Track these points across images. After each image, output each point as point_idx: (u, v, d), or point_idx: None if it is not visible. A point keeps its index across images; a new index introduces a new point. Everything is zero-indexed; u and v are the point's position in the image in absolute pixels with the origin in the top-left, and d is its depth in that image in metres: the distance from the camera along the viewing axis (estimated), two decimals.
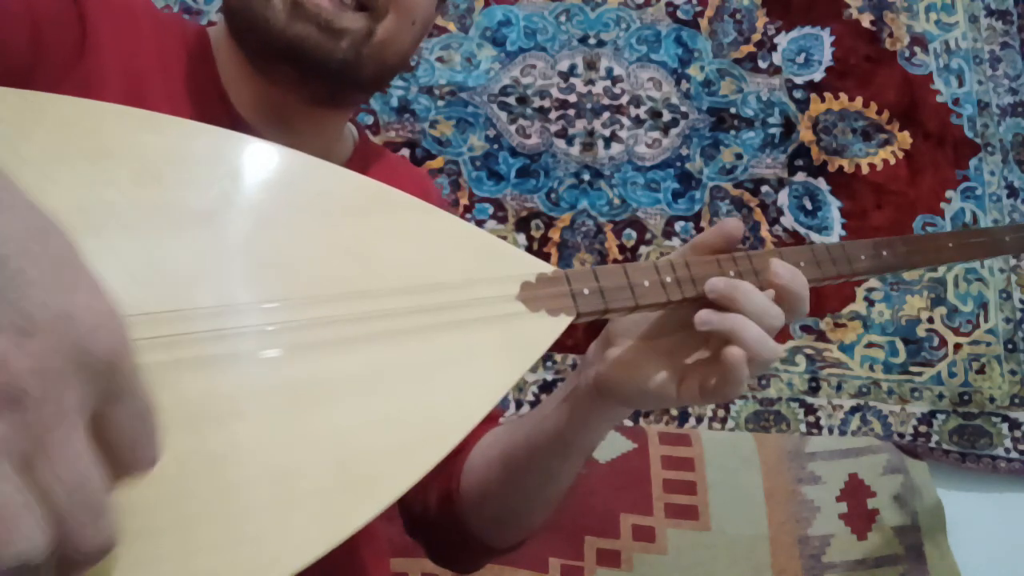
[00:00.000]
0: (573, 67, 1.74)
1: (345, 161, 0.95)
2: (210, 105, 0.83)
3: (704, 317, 0.67)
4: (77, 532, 0.35)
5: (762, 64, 1.79)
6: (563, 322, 0.63)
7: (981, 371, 1.67)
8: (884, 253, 0.80)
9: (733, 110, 1.76)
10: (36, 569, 0.34)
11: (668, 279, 0.68)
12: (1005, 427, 1.65)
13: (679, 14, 1.80)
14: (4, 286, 0.33)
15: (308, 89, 0.85)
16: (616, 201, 1.67)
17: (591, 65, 1.74)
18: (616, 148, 1.70)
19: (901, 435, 1.62)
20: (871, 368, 1.65)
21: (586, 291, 0.65)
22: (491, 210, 1.63)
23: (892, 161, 1.76)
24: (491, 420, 0.97)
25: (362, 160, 0.97)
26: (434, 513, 0.92)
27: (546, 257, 1.61)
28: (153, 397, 0.39)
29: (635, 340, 0.74)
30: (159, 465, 0.44)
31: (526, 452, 0.83)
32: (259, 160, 0.60)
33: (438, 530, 0.93)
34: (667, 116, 1.73)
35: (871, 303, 1.68)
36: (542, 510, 0.89)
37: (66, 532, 0.34)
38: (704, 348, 0.70)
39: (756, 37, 1.80)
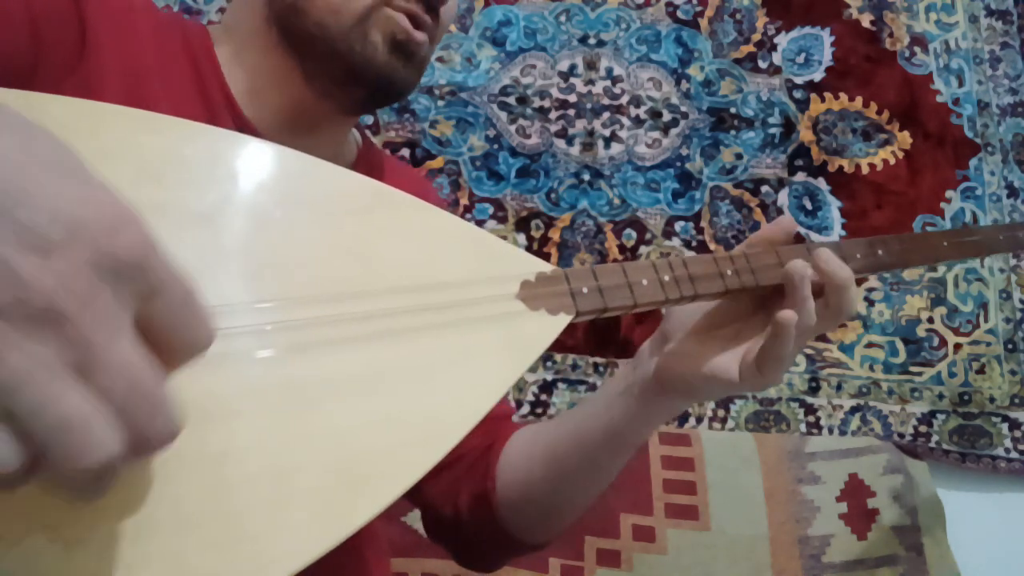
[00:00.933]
0: (573, 67, 1.74)
1: (350, 164, 0.95)
2: (214, 106, 0.83)
3: (827, 256, 0.72)
4: (144, 425, 0.35)
5: (762, 64, 1.79)
6: (562, 321, 0.63)
7: (981, 371, 1.67)
8: (879, 252, 0.80)
9: (733, 110, 1.76)
10: (115, 468, 0.35)
11: (666, 278, 0.69)
12: (1005, 427, 1.65)
13: (679, 14, 1.80)
14: (11, 207, 0.33)
15: (354, 103, 0.89)
16: (616, 201, 1.67)
17: (591, 65, 1.74)
18: (616, 148, 1.70)
19: (901, 435, 1.62)
20: (871, 368, 1.65)
21: (585, 290, 0.65)
22: (491, 210, 1.63)
23: (892, 161, 1.76)
24: (507, 418, 0.99)
25: (366, 163, 0.98)
26: (466, 514, 0.92)
27: (546, 257, 1.61)
28: (190, 281, 0.39)
29: (691, 334, 0.77)
30: (157, 464, 0.44)
31: (575, 449, 0.85)
32: (258, 160, 0.60)
33: (471, 531, 0.93)
34: (667, 116, 1.73)
35: (871, 303, 1.68)
36: (586, 504, 0.91)
37: (134, 427, 0.35)
38: (758, 337, 0.73)
39: (756, 37, 1.80)
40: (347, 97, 0.87)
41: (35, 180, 0.34)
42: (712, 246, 1.67)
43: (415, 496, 0.97)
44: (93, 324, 0.34)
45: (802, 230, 1.70)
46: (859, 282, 1.68)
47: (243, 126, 0.83)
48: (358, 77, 0.84)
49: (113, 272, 0.35)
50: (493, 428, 0.94)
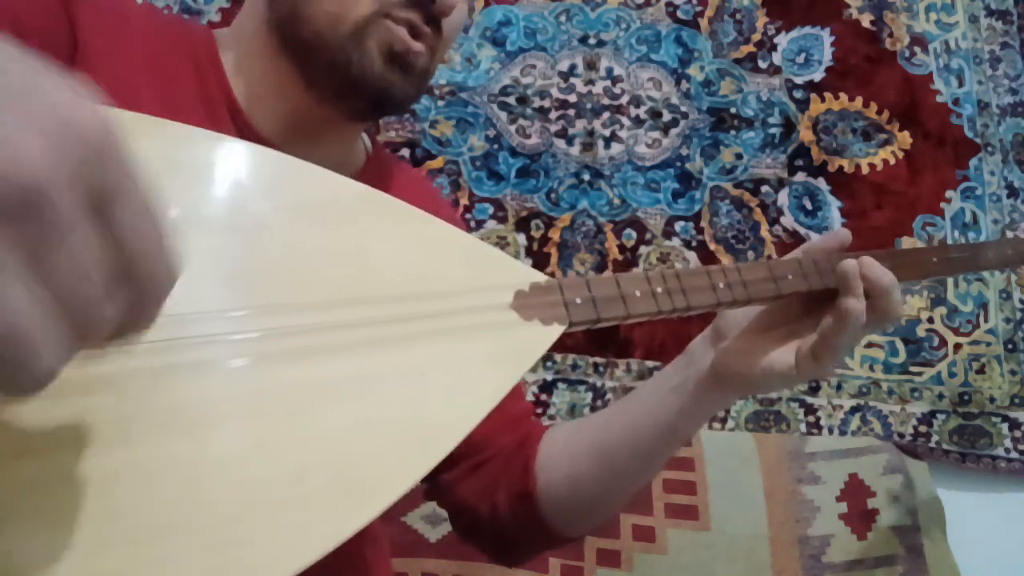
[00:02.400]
0: (573, 67, 1.74)
1: (358, 170, 0.96)
2: (215, 112, 0.83)
3: (870, 262, 0.76)
4: (91, 317, 0.34)
5: (762, 64, 1.79)
6: (556, 331, 0.63)
7: (981, 371, 1.67)
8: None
9: (733, 110, 1.76)
10: (51, 371, 0.33)
11: (659, 290, 0.70)
12: (1005, 427, 1.65)
13: (679, 14, 1.80)
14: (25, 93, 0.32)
15: (355, 113, 0.89)
16: (616, 201, 1.67)
17: (591, 65, 1.74)
18: (616, 148, 1.70)
19: (901, 435, 1.62)
20: (871, 368, 1.65)
21: (578, 300, 0.65)
22: (491, 210, 1.63)
23: (892, 161, 1.76)
24: (528, 415, 1.01)
25: (375, 170, 0.98)
26: (506, 513, 0.93)
27: (546, 257, 1.61)
28: (154, 197, 0.37)
29: (746, 333, 0.82)
30: (145, 469, 0.44)
31: (627, 444, 0.88)
32: (251, 166, 0.60)
33: (508, 529, 0.94)
34: (667, 116, 1.73)
35: None
36: (633, 496, 0.94)
37: (80, 320, 0.33)
38: (809, 335, 0.77)
39: (756, 37, 1.80)
40: (346, 107, 0.87)
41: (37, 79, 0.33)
42: (712, 246, 1.67)
43: (446, 498, 0.98)
44: (52, 213, 0.32)
45: (802, 230, 1.70)
46: None
47: (246, 131, 0.84)
48: (356, 88, 0.83)
49: (75, 144, 0.32)
50: (520, 425, 0.97)
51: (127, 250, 0.35)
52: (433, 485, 0.98)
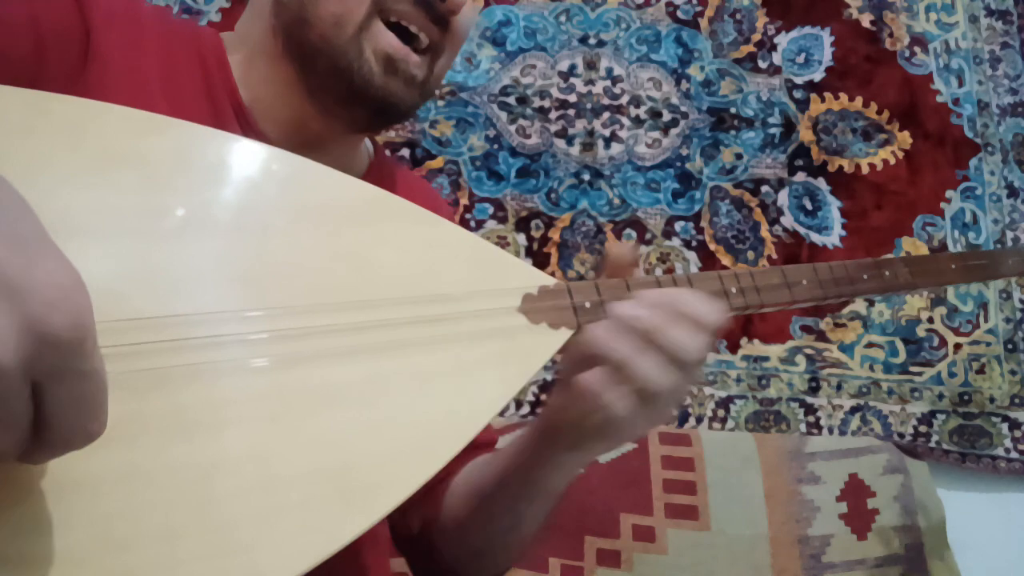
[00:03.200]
0: (573, 67, 1.73)
1: (362, 174, 0.95)
2: (223, 115, 0.83)
3: (594, 335, 0.65)
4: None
5: (762, 64, 1.79)
6: (563, 335, 0.63)
7: (981, 371, 1.67)
8: (887, 274, 0.80)
9: (733, 110, 1.75)
10: None
11: None
12: (1005, 427, 1.65)
13: (679, 14, 1.79)
14: None
15: (358, 123, 0.88)
16: (616, 201, 1.67)
17: (591, 65, 1.74)
18: (616, 148, 1.70)
19: (901, 435, 1.62)
20: (871, 368, 1.65)
21: (587, 304, 0.65)
22: (491, 210, 1.63)
23: (892, 161, 1.76)
24: (484, 447, 0.96)
25: (377, 174, 0.97)
26: (414, 536, 0.92)
27: (546, 257, 1.61)
28: (103, 384, 0.39)
29: (561, 381, 0.72)
30: (157, 472, 0.44)
31: (498, 489, 0.83)
32: (261, 165, 0.60)
33: (417, 552, 0.94)
34: (667, 116, 1.73)
35: (871, 303, 1.68)
36: (509, 550, 0.89)
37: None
38: None
39: (756, 37, 1.80)
40: (348, 116, 0.86)
41: None
42: (712, 246, 1.66)
43: None
44: None
45: (801, 230, 1.70)
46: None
47: (252, 135, 0.83)
48: (357, 98, 0.83)
49: (34, 337, 0.35)
50: (464, 455, 0.92)
51: (51, 423, 0.38)
52: None
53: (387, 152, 1.58)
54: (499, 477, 0.82)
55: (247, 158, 0.60)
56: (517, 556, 0.90)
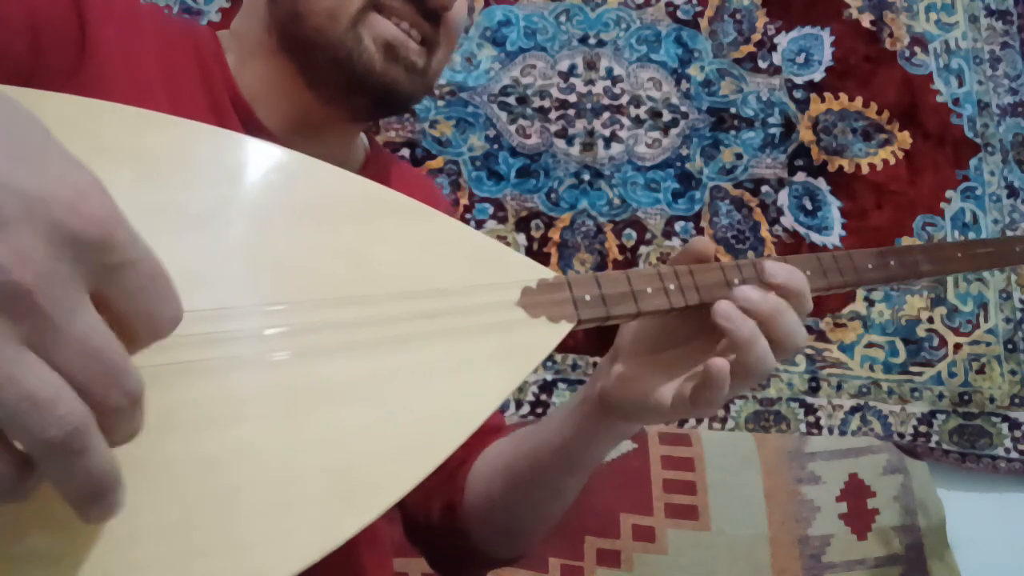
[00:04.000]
0: (573, 67, 1.73)
1: (358, 169, 0.95)
2: (222, 111, 0.83)
3: (725, 312, 0.67)
4: (106, 392, 0.36)
5: (762, 64, 1.79)
6: (563, 329, 0.63)
7: (981, 371, 1.67)
8: (891, 263, 0.79)
9: (733, 110, 1.76)
10: (85, 439, 0.35)
11: (671, 286, 0.68)
12: (1005, 427, 1.65)
13: (679, 14, 1.79)
14: None
15: (359, 112, 0.89)
16: (616, 201, 1.67)
17: (591, 65, 1.74)
18: (616, 148, 1.70)
19: (901, 435, 1.62)
20: (871, 368, 1.65)
21: (588, 297, 0.64)
22: (491, 210, 1.63)
23: (892, 161, 1.76)
24: (495, 431, 0.97)
25: (374, 168, 0.98)
26: (436, 523, 0.92)
27: (546, 257, 1.61)
28: (156, 260, 0.39)
29: (638, 356, 0.74)
30: (151, 468, 0.44)
31: (531, 465, 0.84)
32: (261, 162, 0.60)
33: (440, 540, 0.94)
34: (667, 116, 1.73)
35: (871, 303, 1.68)
36: (546, 523, 0.90)
37: (96, 395, 0.36)
38: (699, 366, 0.69)
39: (756, 37, 1.80)
40: (351, 105, 0.87)
41: None
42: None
43: None
44: (50, 299, 0.34)
45: (801, 230, 1.70)
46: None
47: (253, 128, 0.84)
48: (359, 86, 0.84)
49: (70, 246, 0.35)
50: (476, 440, 0.91)
51: (133, 320, 0.38)
52: None
53: (384, 149, 1.59)
54: (536, 453, 0.84)
55: (244, 155, 0.60)
56: (548, 530, 0.91)
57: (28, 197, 0.34)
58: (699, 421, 1.59)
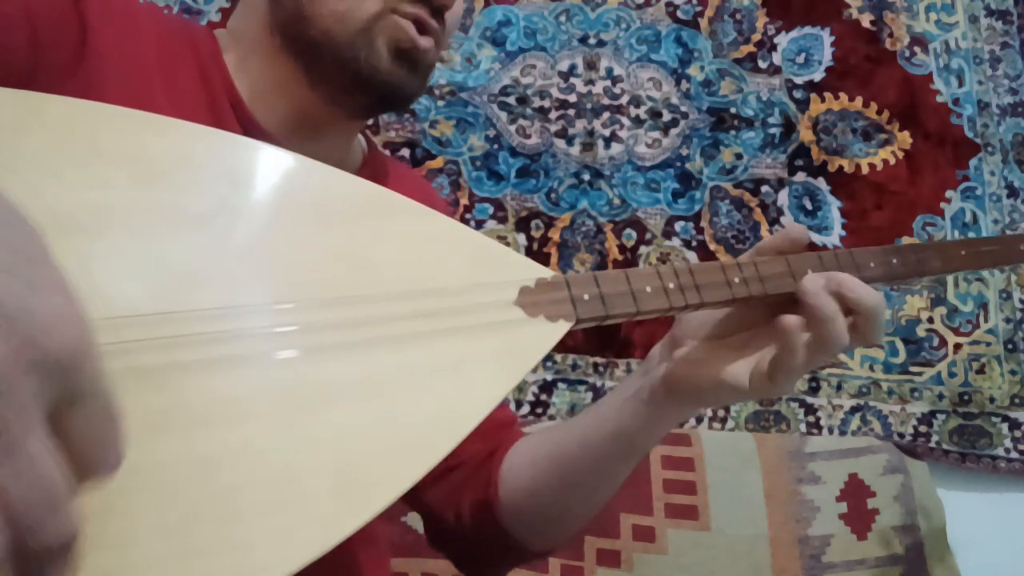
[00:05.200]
0: (573, 67, 1.73)
1: (356, 169, 0.96)
2: (219, 110, 0.83)
3: (812, 287, 0.69)
4: (35, 529, 0.34)
5: (762, 64, 1.79)
6: (562, 328, 0.62)
7: (981, 371, 1.67)
8: (894, 261, 0.79)
9: (733, 110, 1.76)
10: None
11: (671, 285, 0.68)
12: (1005, 427, 1.65)
13: (679, 14, 1.80)
14: None
15: (360, 109, 0.89)
16: (616, 201, 1.67)
17: (591, 65, 1.74)
18: (616, 148, 1.70)
19: (901, 435, 1.62)
20: (871, 368, 1.65)
21: (586, 297, 0.64)
22: (491, 210, 1.63)
23: (892, 161, 1.76)
24: (509, 425, 0.98)
25: (371, 168, 0.98)
26: (469, 522, 0.92)
27: (546, 257, 1.61)
28: (117, 401, 0.38)
29: (703, 341, 0.76)
30: (149, 468, 0.44)
31: (583, 454, 0.84)
32: (258, 163, 0.60)
33: (473, 538, 0.93)
34: (667, 116, 1.73)
35: None
36: (593, 511, 0.90)
37: (24, 529, 0.33)
38: (771, 344, 0.71)
39: (756, 37, 1.80)
40: (352, 104, 0.87)
41: None
42: (712, 246, 1.67)
43: (415, 502, 0.97)
44: (8, 411, 0.33)
45: None
46: None
47: (251, 128, 0.84)
48: (364, 85, 0.84)
49: (40, 365, 0.34)
50: (495, 434, 0.94)
51: (80, 453, 0.36)
52: None
53: (387, 152, 1.59)
54: (588, 442, 0.84)
55: (242, 156, 0.60)
56: (590, 519, 0.92)
57: (9, 308, 0.33)
58: (699, 421, 1.58)
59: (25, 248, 0.37)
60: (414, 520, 1.36)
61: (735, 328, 0.76)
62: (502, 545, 0.91)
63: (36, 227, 0.38)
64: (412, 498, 0.96)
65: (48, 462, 0.34)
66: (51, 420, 0.35)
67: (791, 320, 0.68)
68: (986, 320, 1.70)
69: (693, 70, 1.77)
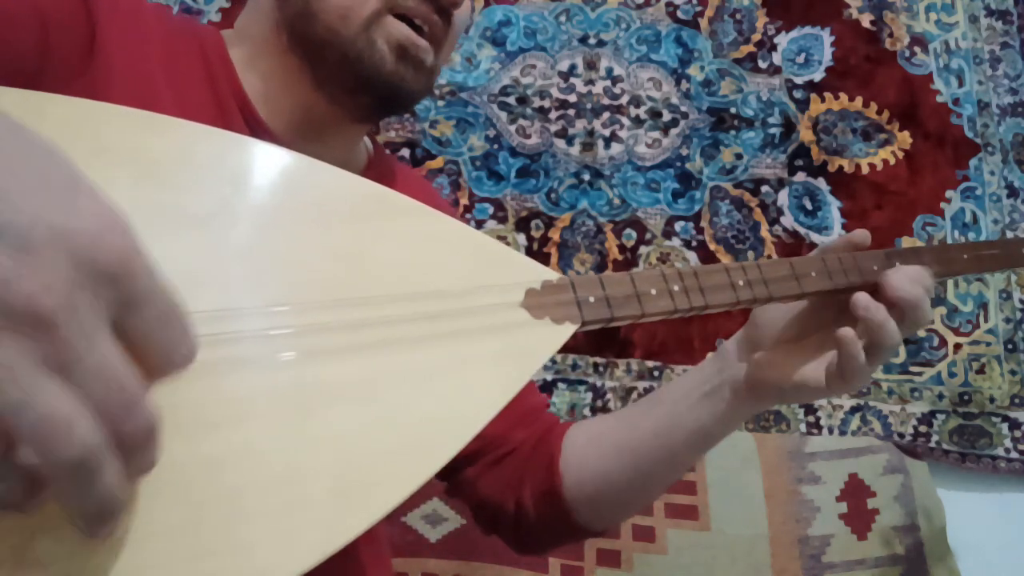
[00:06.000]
0: (573, 67, 1.73)
1: (360, 170, 0.96)
2: (226, 110, 0.83)
3: (864, 302, 0.74)
4: (123, 421, 0.37)
5: (762, 64, 1.79)
6: (567, 330, 0.62)
7: (981, 371, 1.67)
8: (897, 264, 0.79)
9: (733, 110, 1.76)
10: (100, 462, 0.36)
11: (676, 288, 0.68)
12: (1005, 427, 1.65)
13: (679, 14, 1.80)
14: None
15: (364, 111, 0.89)
16: (616, 201, 1.67)
17: (591, 65, 1.74)
18: (616, 148, 1.70)
19: (901, 435, 1.62)
20: None
21: (591, 299, 0.64)
22: (491, 210, 1.63)
23: (892, 161, 1.76)
24: (544, 408, 1.02)
25: (377, 170, 0.98)
26: (532, 508, 0.94)
27: (546, 257, 1.61)
28: (174, 298, 0.40)
29: (781, 343, 0.81)
30: (155, 471, 0.44)
31: (658, 447, 0.88)
32: (262, 164, 0.60)
33: (536, 524, 0.95)
34: (667, 116, 1.73)
35: None
36: (661, 492, 0.98)
37: (113, 423, 0.36)
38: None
39: (756, 37, 1.80)
40: (356, 104, 0.87)
41: (22, 184, 0.36)
42: (712, 246, 1.67)
43: (471, 492, 0.98)
44: (71, 326, 0.35)
45: (801, 230, 1.70)
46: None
47: (257, 128, 0.84)
48: (367, 85, 0.84)
49: (93, 277, 0.36)
50: (536, 420, 0.98)
51: (149, 353, 0.39)
52: (454, 481, 0.98)
53: (387, 151, 1.58)
54: (663, 435, 0.88)
55: (246, 156, 0.60)
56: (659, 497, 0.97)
57: (55, 227, 0.35)
58: None
59: (63, 169, 0.38)
60: (414, 520, 1.36)
61: (808, 329, 0.81)
62: (566, 527, 0.95)
63: (67, 156, 0.39)
64: (466, 489, 0.98)
65: (117, 363, 0.37)
66: (116, 327, 0.37)
67: (847, 333, 0.73)
68: (986, 320, 1.70)
69: (693, 70, 1.77)
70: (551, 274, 0.64)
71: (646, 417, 0.90)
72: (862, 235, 0.82)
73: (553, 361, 1.57)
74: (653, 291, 0.67)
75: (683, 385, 0.89)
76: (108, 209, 0.38)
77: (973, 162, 1.78)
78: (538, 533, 0.97)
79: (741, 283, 0.71)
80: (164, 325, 0.39)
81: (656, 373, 1.58)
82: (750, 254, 1.67)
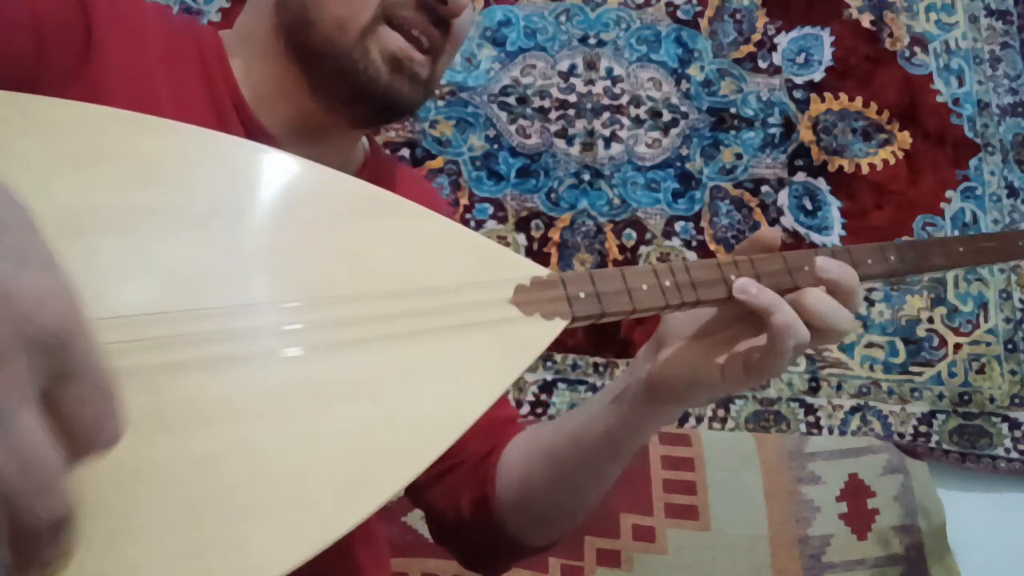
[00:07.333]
0: (573, 67, 1.74)
1: (357, 170, 0.96)
2: (224, 112, 0.83)
3: (742, 286, 0.69)
4: (27, 508, 0.34)
5: (762, 64, 1.79)
6: (558, 326, 0.62)
7: (981, 371, 1.67)
8: (892, 258, 0.78)
9: (733, 110, 1.76)
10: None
11: (667, 283, 0.67)
12: (1005, 427, 1.65)
13: (679, 14, 1.80)
14: None
15: (361, 120, 0.89)
16: (616, 201, 1.67)
17: (591, 65, 1.74)
18: (616, 148, 1.70)
19: (901, 435, 1.62)
20: (871, 368, 1.65)
21: (582, 295, 0.64)
22: (491, 210, 1.63)
23: (892, 161, 1.76)
24: (511, 421, 0.98)
25: (373, 169, 0.98)
26: (468, 518, 0.92)
27: (546, 257, 1.61)
28: (111, 377, 0.38)
29: (686, 340, 0.75)
30: (148, 467, 0.44)
31: (573, 451, 0.84)
32: (255, 164, 0.60)
33: (472, 535, 0.93)
34: (667, 116, 1.73)
35: (871, 303, 1.68)
36: (586, 509, 0.90)
37: (16, 507, 0.34)
38: (751, 339, 0.71)
39: (756, 37, 1.80)
40: (352, 114, 0.87)
41: None
42: (712, 246, 1.67)
43: (418, 500, 0.97)
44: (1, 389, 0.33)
45: (802, 230, 1.70)
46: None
47: (253, 130, 0.84)
48: (362, 95, 0.84)
49: (31, 343, 0.34)
50: (496, 432, 0.94)
51: (74, 431, 0.36)
52: (408, 488, 0.96)
53: (387, 151, 1.59)
54: (579, 441, 0.84)
55: (242, 157, 0.60)
56: (586, 516, 0.92)
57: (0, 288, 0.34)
58: (699, 420, 1.59)
59: (12, 224, 0.37)
60: (414, 520, 1.36)
61: (719, 327, 0.75)
62: (499, 540, 0.91)
63: (24, 204, 0.38)
64: (415, 496, 0.97)
65: (40, 439, 0.34)
66: (44, 398, 0.35)
67: (781, 318, 0.68)
68: (986, 320, 1.70)
69: (693, 70, 1.77)
70: (541, 270, 0.64)
71: (567, 422, 0.87)
72: (772, 235, 0.75)
73: (553, 361, 1.58)
74: (644, 287, 0.67)
75: (603, 390, 0.85)
76: (57, 278, 0.36)
77: (973, 162, 1.78)
78: (480, 546, 0.95)
79: (733, 277, 0.70)
80: (94, 403, 0.37)
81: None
82: None
